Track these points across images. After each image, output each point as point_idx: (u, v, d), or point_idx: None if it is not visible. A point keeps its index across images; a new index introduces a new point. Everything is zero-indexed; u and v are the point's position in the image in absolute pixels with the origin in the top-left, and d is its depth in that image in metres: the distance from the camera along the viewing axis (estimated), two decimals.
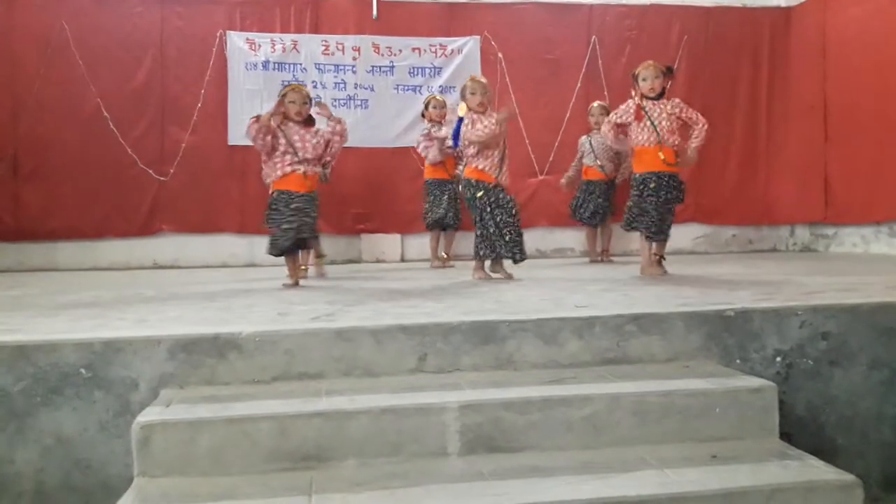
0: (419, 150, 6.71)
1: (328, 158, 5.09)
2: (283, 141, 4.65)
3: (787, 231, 8.27)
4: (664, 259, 4.94)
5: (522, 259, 4.81)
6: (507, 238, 4.72)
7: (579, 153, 6.99)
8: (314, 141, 4.76)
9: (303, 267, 5.90)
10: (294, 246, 4.75)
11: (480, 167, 4.73)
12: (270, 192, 4.76)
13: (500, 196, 4.73)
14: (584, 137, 7.00)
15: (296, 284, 4.75)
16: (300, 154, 4.65)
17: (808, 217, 7.87)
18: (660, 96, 4.81)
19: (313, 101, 5.09)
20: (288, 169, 4.64)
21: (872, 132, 6.73)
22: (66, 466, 2.49)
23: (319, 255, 5.67)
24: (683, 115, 4.82)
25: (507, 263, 4.92)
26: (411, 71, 7.65)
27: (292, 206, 4.62)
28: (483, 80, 4.90)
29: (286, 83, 7.29)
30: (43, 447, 2.48)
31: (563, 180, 7.07)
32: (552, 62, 7.80)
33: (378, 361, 2.63)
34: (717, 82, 7.96)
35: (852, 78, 7.02)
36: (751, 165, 8.07)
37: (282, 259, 4.84)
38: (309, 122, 4.86)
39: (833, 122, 7.33)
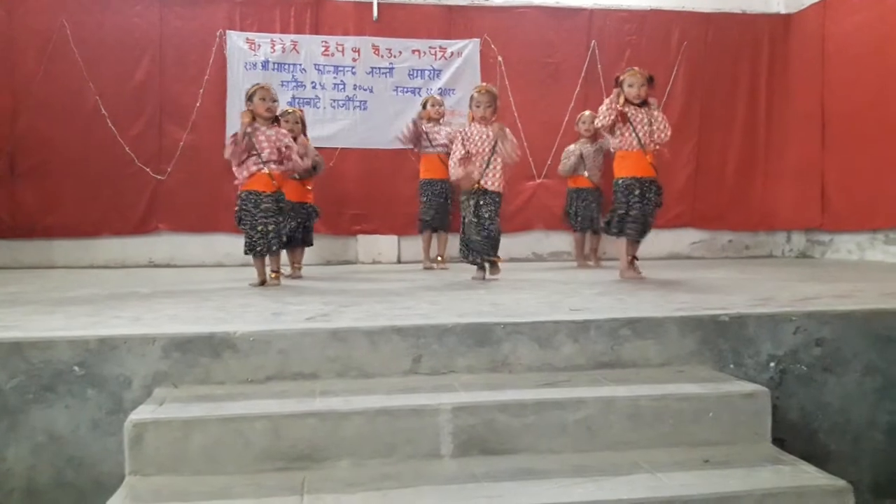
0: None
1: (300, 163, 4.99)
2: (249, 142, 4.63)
3: (783, 237, 8.29)
4: (637, 259, 5.03)
5: (492, 257, 4.97)
6: (483, 235, 4.87)
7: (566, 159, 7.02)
8: (278, 143, 4.71)
9: (296, 267, 5.91)
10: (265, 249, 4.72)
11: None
12: (238, 192, 4.72)
13: (482, 200, 4.86)
14: (572, 146, 6.99)
15: (262, 284, 4.76)
16: (263, 155, 4.63)
17: (804, 223, 7.89)
18: (643, 104, 4.83)
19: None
20: (253, 169, 4.62)
21: (870, 140, 6.75)
22: (58, 464, 2.48)
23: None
24: (657, 115, 4.83)
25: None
26: (411, 73, 7.66)
27: (262, 206, 4.61)
28: (491, 89, 4.98)
29: (285, 84, 7.33)
30: (35, 444, 2.47)
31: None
32: (552, 66, 7.82)
33: (372, 362, 2.63)
34: (716, 88, 8.00)
35: (851, 85, 7.04)
36: (748, 171, 8.10)
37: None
38: (274, 121, 4.82)
39: (831, 130, 7.35)
